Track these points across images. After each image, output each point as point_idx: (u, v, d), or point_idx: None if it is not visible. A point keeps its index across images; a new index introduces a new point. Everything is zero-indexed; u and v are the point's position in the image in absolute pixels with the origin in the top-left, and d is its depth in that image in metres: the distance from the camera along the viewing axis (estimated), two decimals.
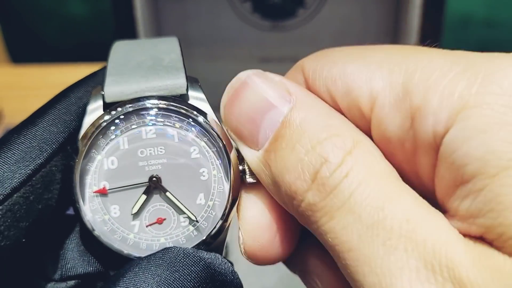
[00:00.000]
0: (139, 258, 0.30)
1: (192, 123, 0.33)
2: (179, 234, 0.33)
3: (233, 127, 0.32)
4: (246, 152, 0.32)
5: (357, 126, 0.32)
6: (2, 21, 1.08)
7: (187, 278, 0.29)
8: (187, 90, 0.34)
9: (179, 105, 0.33)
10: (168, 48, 0.36)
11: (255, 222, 0.33)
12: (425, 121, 0.27)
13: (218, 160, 0.33)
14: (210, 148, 0.33)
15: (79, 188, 0.32)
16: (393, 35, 0.78)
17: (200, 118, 0.33)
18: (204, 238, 0.32)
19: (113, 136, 0.33)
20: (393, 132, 0.29)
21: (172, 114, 0.33)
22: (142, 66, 0.35)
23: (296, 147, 0.29)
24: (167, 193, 0.32)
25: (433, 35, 0.71)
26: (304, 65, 0.35)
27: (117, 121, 0.33)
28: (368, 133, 0.32)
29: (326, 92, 0.32)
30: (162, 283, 0.28)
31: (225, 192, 0.33)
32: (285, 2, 0.77)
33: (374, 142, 0.31)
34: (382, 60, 0.31)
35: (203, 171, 0.33)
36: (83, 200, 0.32)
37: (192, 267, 0.29)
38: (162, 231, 0.32)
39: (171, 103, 0.33)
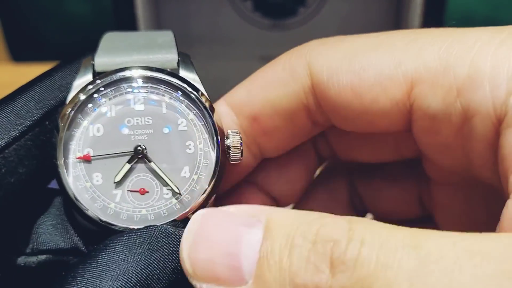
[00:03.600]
0: (119, 234, 0.30)
1: (181, 96, 0.33)
2: (161, 206, 0.32)
3: (207, 273, 0.28)
4: None
5: (387, 116, 0.31)
6: (2, 20, 1.08)
7: (168, 258, 0.28)
8: (178, 65, 0.34)
9: (169, 77, 0.33)
10: (162, 34, 0.37)
11: None
12: (479, 90, 0.27)
13: (205, 134, 0.33)
14: (198, 122, 0.33)
15: (63, 154, 0.32)
16: None
17: (190, 91, 0.33)
18: (187, 211, 0.32)
19: (100, 103, 0.33)
20: (437, 108, 0.29)
21: (162, 85, 0.33)
22: (135, 44, 0.35)
23: (294, 250, 0.25)
24: (152, 164, 0.32)
25: None
26: (312, 61, 0.34)
27: (105, 88, 0.33)
28: (404, 121, 0.31)
29: (349, 87, 0.32)
30: (142, 261, 0.27)
31: (211, 166, 0.33)
32: (286, 1, 0.77)
33: (415, 124, 0.31)
34: (406, 43, 0.30)
35: (190, 144, 0.33)
36: (66, 166, 0.32)
37: (174, 247, 0.29)
38: (144, 202, 0.32)
39: (161, 74, 0.33)
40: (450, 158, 0.32)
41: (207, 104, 0.33)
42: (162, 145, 0.33)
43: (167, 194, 0.32)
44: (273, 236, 0.27)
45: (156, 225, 0.30)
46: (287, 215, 0.28)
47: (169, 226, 0.30)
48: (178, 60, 0.34)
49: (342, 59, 0.32)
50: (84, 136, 0.32)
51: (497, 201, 0.28)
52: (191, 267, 0.28)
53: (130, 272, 0.27)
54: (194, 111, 0.33)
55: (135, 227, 0.31)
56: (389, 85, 0.30)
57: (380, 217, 0.43)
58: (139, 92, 0.33)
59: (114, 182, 0.32)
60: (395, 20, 0.77)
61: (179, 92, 0.33)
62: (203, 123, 0.33)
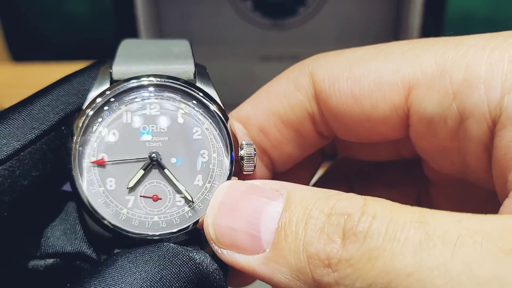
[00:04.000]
0: (128, 250, 0.30)
1: (197, 105, 0.34)
2: (173, 213, 0.32)
3: (228, 239, 0.30)
4: (248, 261, 0.29)
5: (387, 122, 0.32)
6: (3, 20, 1.08)
7: (175, 277, 0.28)
8: (195, 76, 0.34)
9: (186, 86, 0.33)
10: (179, 44, 0.37)
11: None
12: (474, 92, 0.28)
13: (219, 143, 0.33)
14: (213, 131, 0.33)
15: (78, 158, 0.32)
16: (394, 33, 0.78)
17: (206, 101, 0.33)
18: (198, 218, 0.32)
19: (117, 109, 0.33)
20: (433, 112, 0.30)
21: (178, 94, 0.34)
22: (152, 53, 0.35)
23: (310, 221, 0.27)
24: (166, 171, 0.32)
25: (434, 33, 0.71)
26: (314, 71, 0.34)
27: (122, 95, 0.33)
28: (402, 126, 0.32)
29: (350, 94, 0.32)
30: (149, 280, 0.28)
31: (224, 176, 0.33)
32: (285, 1, 0.77)
33: (412, 129, 0.32)
34: (404, 51, 0.32)
35: (204, 153, 0.33)
36: (80, 170, 0.32)
37: (181, 267, 0.29)
38: (156, 209, 0.32)
39: (178, 83, 0.33)
40: (446, 162, 0.33)
41: (221, 114, 0.33)
42: (177, 152, 0.33)
43: (179, 201, 0.32)
44: (292, 209, 0.28)
45: (165, 244, 0.30)
46: (307, 190, 0.29)
47: (178, 246, 0.30)
48: (195, 71, 0.34)
49: (343, 67, 0.33)
50: (99, 141, 0.32)
51: (495, 205, 0.29)
52: (214, 234, 0.30)
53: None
54: (209, 120, 0.34)
55: (149, 233, 0.32)
56: (388, 91, 0.31)
57: None
58: (156, 99, 0.33)
59: (127, 188, 0.32)
60: (395, 19, 0.77)
61: (194, 101, 0.34)
62: (217, 133, 0.33)
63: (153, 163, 0.32)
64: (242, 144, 0.34)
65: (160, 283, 0.28)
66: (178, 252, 0.30)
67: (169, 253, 0.29)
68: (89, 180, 0.32)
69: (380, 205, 0.26)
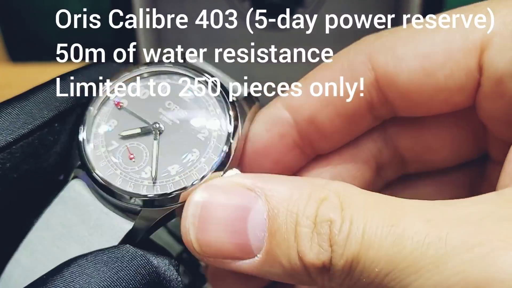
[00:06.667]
0: (86, 253, 0.30)
1: (221, 103, 0.36)
2: (132, 178, 0.33)
3: (215, 250, 0.30)
4: (239, 265, 0.30)
5: (463, 89, 0.32)
6: (0, 20, 1.08)
7: (131, 280, 0.29)
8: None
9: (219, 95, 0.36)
10: None
11: None
12: (490, 53, 0.30)
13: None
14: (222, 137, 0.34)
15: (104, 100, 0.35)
16: None
17: (225, 102, 0.36)
18: (146, 195, 0.32)
19: (155, 81, 0.36)
20: (504, 69, 0.31)
21: (207, 97, 0.36)
22: None
23: (298, 230, 0.28)
24: (155, 142, 0.34)
25: None
26: (373, 55, 0.34)
27: (157, 72, 0.36)
28: (474, 90, 0.32)
29: (420, 69, 0.32)
30: (105, 279, 0.28)
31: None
32: (284, 1, 0.77)
33: (480, 92, 0.32)
34: (464, 18, 0.32)
35: (195, 152, 0.34)
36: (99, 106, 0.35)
37: (138, 268, 0.29)
38: (123, 166, 0.33)
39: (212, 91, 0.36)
40: (510, 128, 0.33)
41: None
42: (176, 139, 0.34)
43: (146, 173, 0.33)
44: (279, 215, 0.29)
45: (124, 246, 0.31)
46: (282, 187, 0.30)
47: (137, 249, 0.31)
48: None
49: (406, 45, 0.33)
50: (130, 90, 0.35)
51: None
52: (200, 248, 0.30)
53: (92, 287, 0.27)
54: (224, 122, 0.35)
55: (101, 177, 0.33)
56: (462, 58, 0.31)
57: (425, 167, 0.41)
58: (191, 85, 0.36)
59: (119, 134, 0.34)
60: (393, 19, 0.77)
61: (217, 98, 0.36)
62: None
63: (152, 130, 0.34)
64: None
65: (116, 282, 0.28)
66: (136, 255, 0.30)
67: (128, 255, 0.30)
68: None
69: (355, 206, 0.28)
